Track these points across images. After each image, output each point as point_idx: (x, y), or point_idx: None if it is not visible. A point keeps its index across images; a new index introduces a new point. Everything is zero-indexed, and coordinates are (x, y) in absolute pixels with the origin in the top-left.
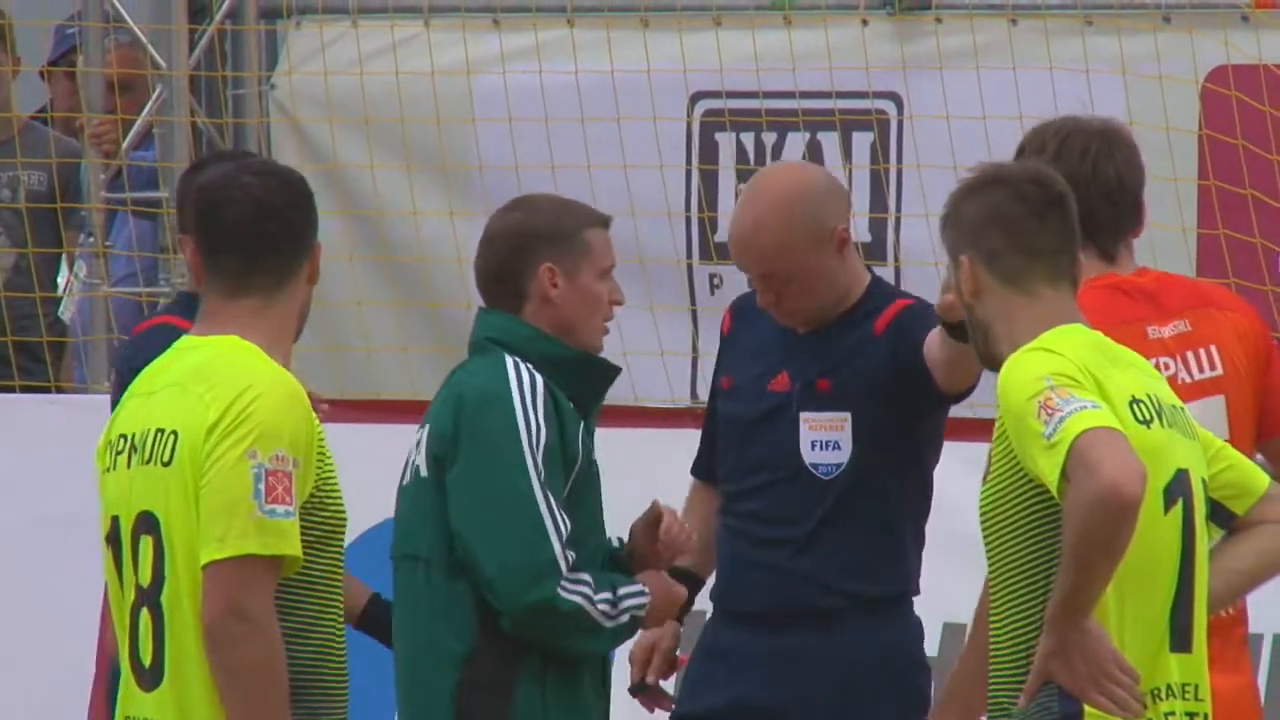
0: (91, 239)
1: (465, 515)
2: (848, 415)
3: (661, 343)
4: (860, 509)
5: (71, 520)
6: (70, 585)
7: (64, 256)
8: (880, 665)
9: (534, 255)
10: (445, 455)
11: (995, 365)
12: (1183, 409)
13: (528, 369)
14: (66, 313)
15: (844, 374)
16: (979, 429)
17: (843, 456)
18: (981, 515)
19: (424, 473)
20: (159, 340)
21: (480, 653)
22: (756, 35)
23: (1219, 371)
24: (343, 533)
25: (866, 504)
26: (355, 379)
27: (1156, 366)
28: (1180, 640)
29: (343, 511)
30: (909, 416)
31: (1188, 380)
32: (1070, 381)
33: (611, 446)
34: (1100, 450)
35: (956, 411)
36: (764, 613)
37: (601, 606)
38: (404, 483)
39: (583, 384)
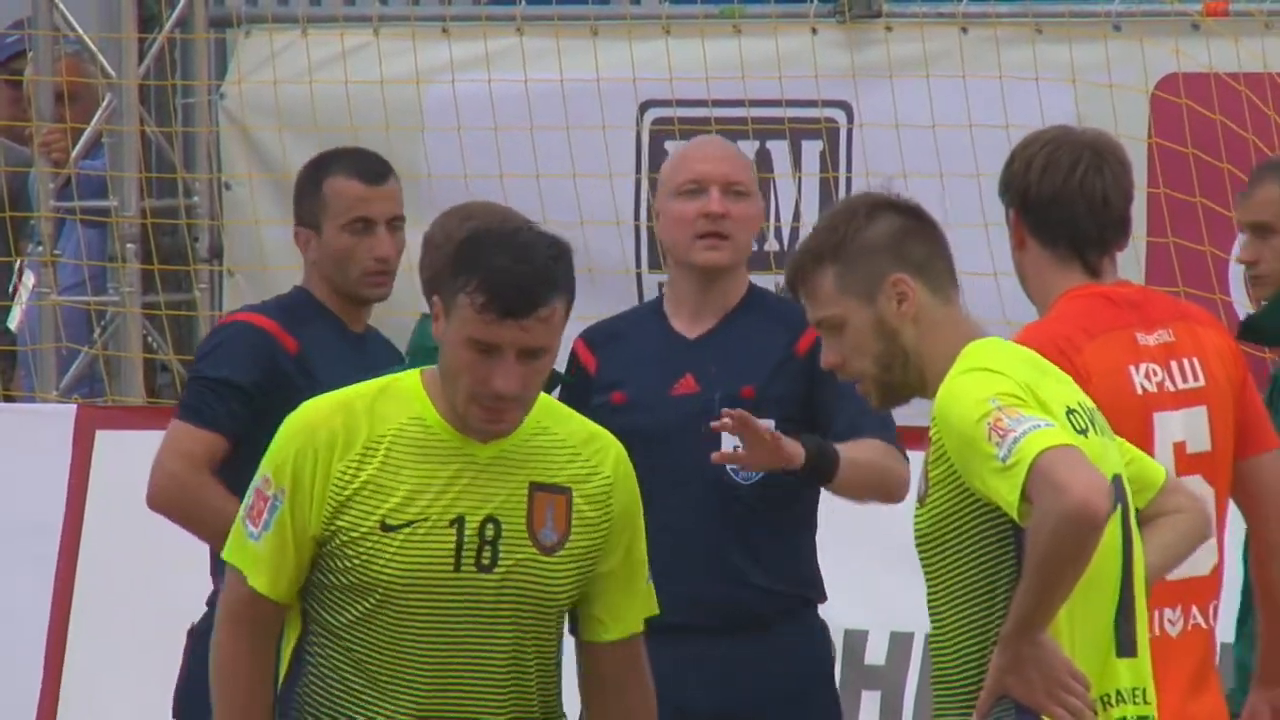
0: (40, 248)
1: None
2: (772, 422)
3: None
4: (777, 515)
5: (20, 527)
6: (20, 591)
7: (15, 265)
8: (807, 667)
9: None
10: None
11: (920, 392)
12: (1098, 410)
13: None
14: (14, 321)
15: (767, 385)
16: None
17: None
18: (921, 537)
19: None
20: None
21: None
22: (706, 43)
23: (1201, 383)
24: (377, 598)
25: (783, 510)
26: None
27: (1147, 374)
28: (1126, 645)
29: (378, 577)
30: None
31: (1172, 389)
32: (1016, 400)
33: None
34: (1065, 468)
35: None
36: (686, 624)
37: None
38: None
39: None
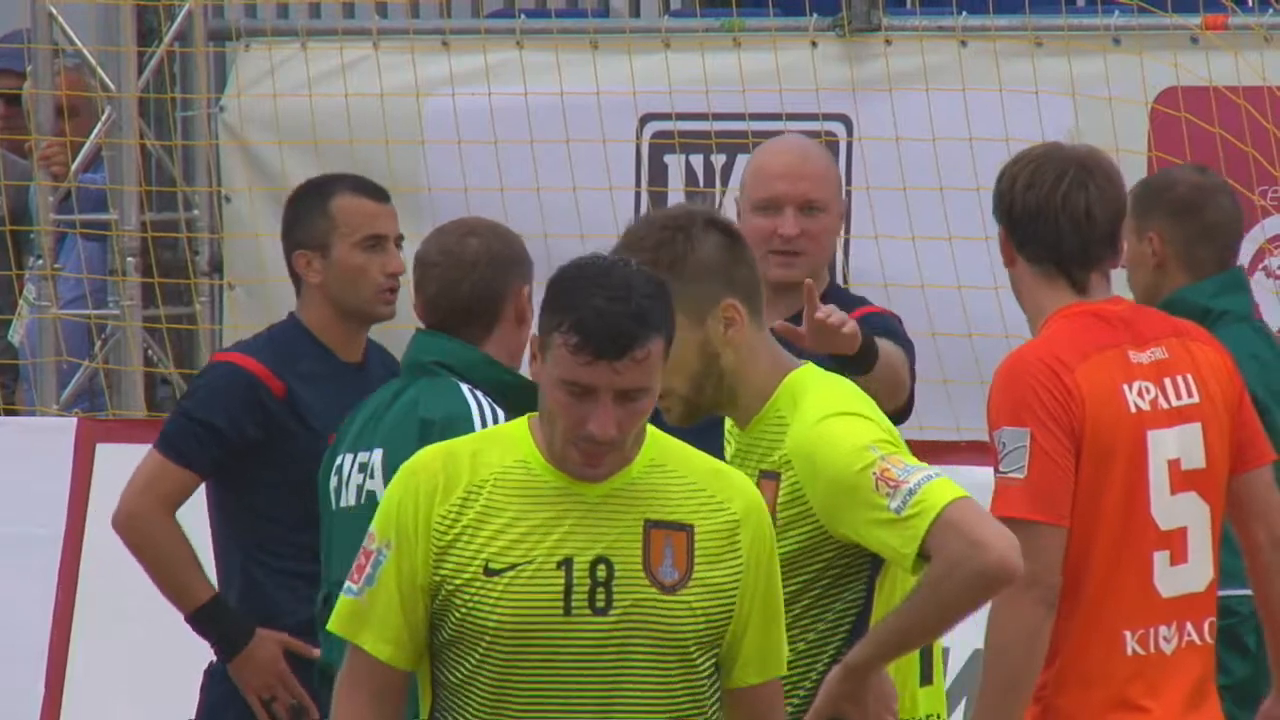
0: (40, 261)
1: None
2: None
3: None
4: None
5: (21, 540)
6: (21, 604)
7: (17, 279)
8: None
9: (512, 279)
10: None
11: (723, 411)
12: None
13: (485, 398)
14: (16, 335)
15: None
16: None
17: None
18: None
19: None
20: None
21: None
22: (706, 57)
23: (1195, 400)
24: (484, 647)
25: None
26: None
27: (1140, 392)
28: (927, 673)
29: (484, 624)
30: None
31: (1166, 407)
32: (892, 447)
33: None
34: (978, 524)
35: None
36: None
37: None
38: (342, 506)
39: (524, 410)
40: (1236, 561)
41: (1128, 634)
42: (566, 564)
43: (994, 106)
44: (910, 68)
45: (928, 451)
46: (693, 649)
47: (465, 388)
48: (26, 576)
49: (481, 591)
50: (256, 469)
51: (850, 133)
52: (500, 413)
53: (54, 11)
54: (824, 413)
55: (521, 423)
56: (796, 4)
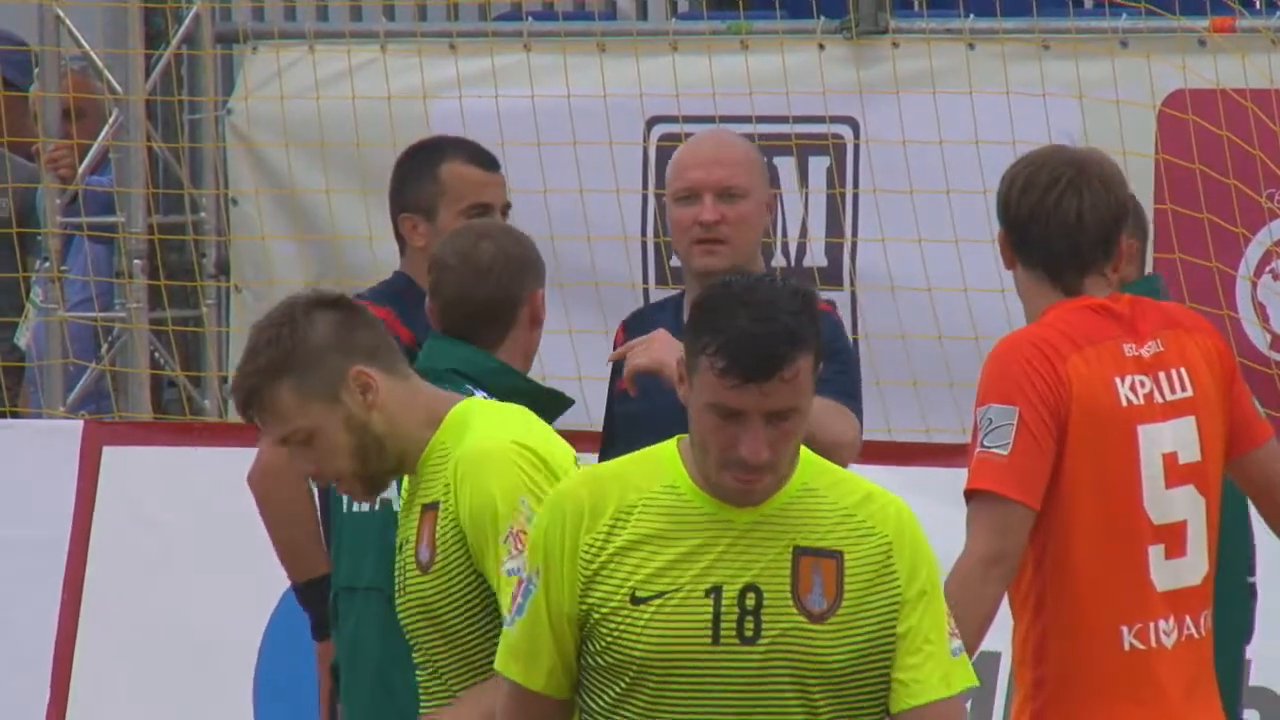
0: (48, 264)
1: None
2: None
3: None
4: None
5: (28, 543)
6: (27, 607)
7: (24, 282)
8: None
9: (528, 283)
10: None
11: (402, 472)
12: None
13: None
14: (22, 338)
15: None
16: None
17: None
18: (422, 605)
19: (397, 505)
20: None
21: None
22: (713, 59)
23: (1189, 393)
24: (631, 676)
25: None
26: None
27: (1133, 386)
28: None
29: (630, 653)
30: None
31: (1161, 400)
32: (538, 503)
33: None
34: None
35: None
36: None
37: None
38: (354, 510)
39: (543, 416)
40: None
41: (1124, 629)
42: (715, 592)
43: (1001, 109)
44: (917, 70)
45: (938, 455)
46: (840, 678)
47: (481, 396)
48: (32, 580)
49: (628, 620)
50: None
51: (857, 135)
52: None
53: (61, 14)
54: (489, 439)
55: (671, 445)
56: (804, 6)
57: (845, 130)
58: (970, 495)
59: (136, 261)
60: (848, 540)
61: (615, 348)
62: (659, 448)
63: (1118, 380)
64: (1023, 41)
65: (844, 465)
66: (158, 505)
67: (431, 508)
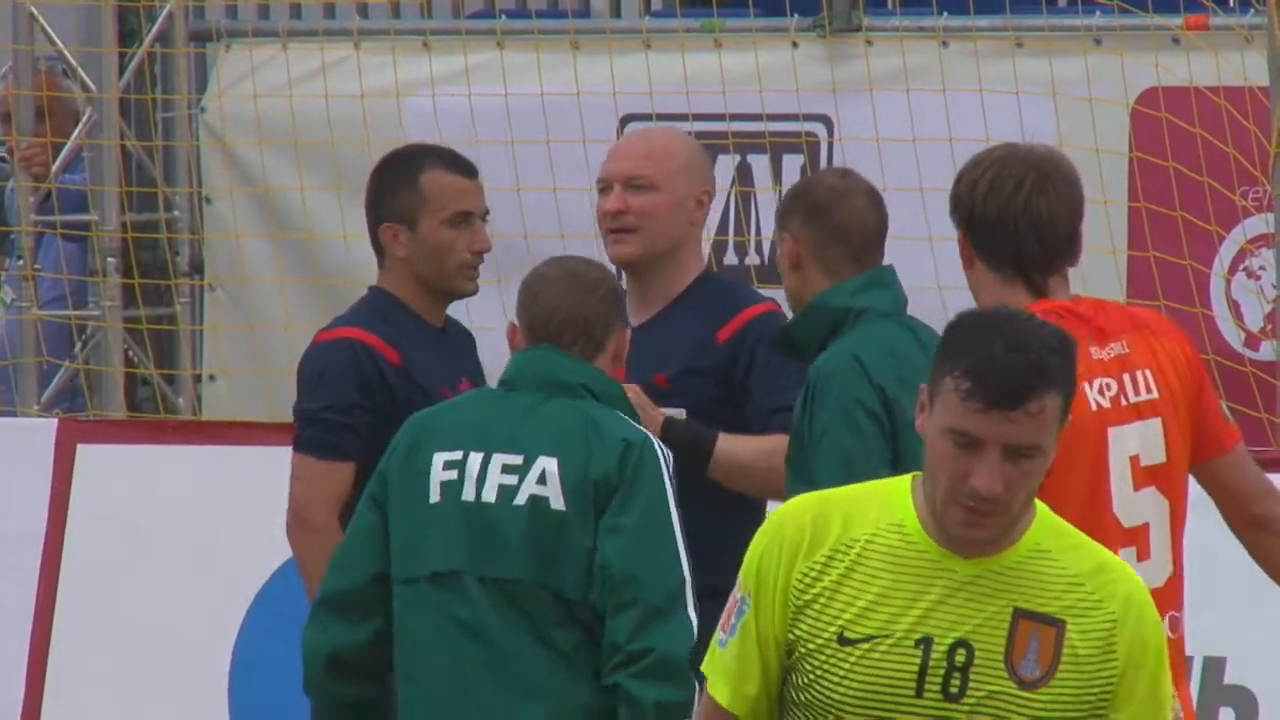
0: (20, 262)
1: (635, 562)
2: (683, 410)
3: None
4: (693, 501)
5: (2, 541)
6: (1, 605)
7: None
8: None
9: (621, 317)
10: (606, 494)
11: None
12: None
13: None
14: None
15: (679, 371)
16: None
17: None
18: None
19: (556, 505)
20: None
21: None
22: (686, 57)
23: (1155, 395)
24: (834, 717)
25: (699, 496)
26: (286, 402)
27: (1100, 389)
28: None
29: (830, 695)
30: (741, 417)
31: (1126, 403)
32: None
33: None
34: None
35: None
36: None
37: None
38: (466, 500)
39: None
40: None
41: None
42: (925, 643)
43: (975, 107)
44: (891, 68)
45: None
46: None
47: (619, 413)
48: (6, 578)
49: (833, 660)
50: (379, 444)
51: (831, 133)
52: (664, 447)
53: (35, 12)
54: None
55: (905, 480)
56: (777, 4)
57: (819, 128)
58: None
59: (110, 260)
60: (1073, 610)
61: None
62: (894, 481)
63: (1086, 385)
64: (996, 39)
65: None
66: (132, 504)
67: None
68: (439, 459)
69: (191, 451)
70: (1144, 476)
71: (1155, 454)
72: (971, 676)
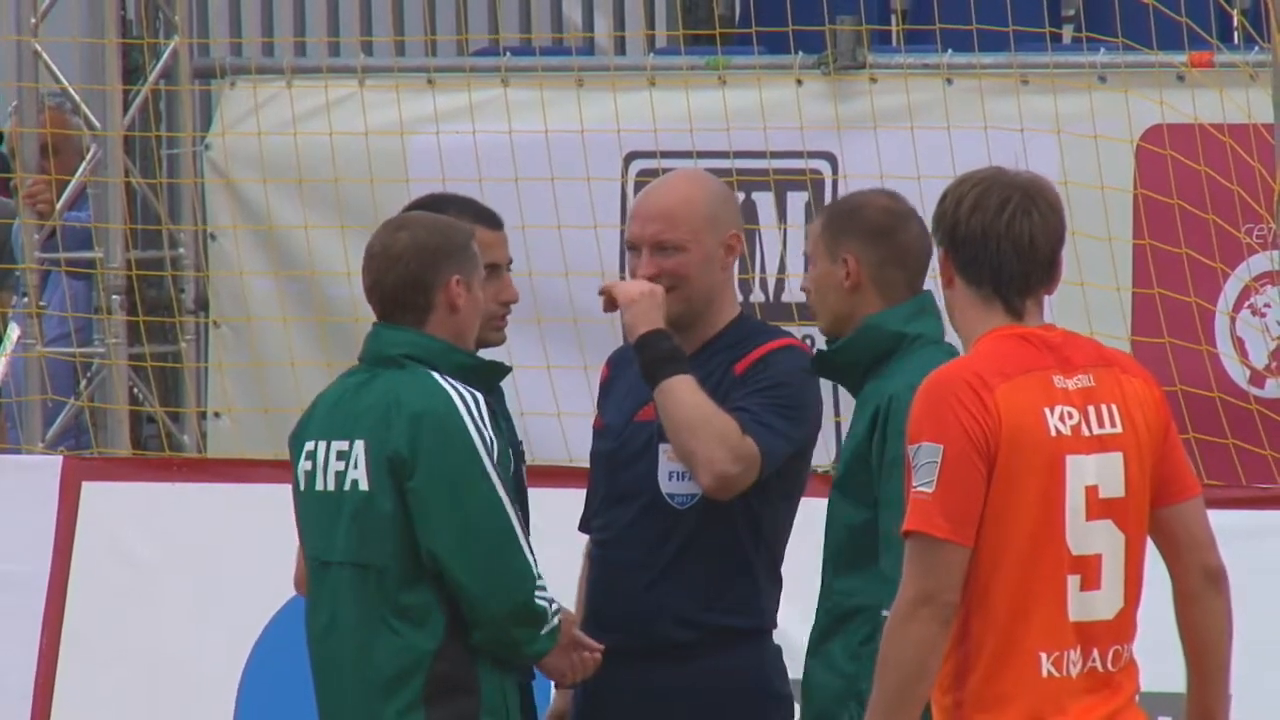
0: (25, 299)
1: (443, 532)
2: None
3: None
4: (713, 541)
5: (6, 579)
6: (6, 644)
7: (1, 317)
8: (736, 699)
9: (442, 269)
10: (403, 471)
11: None
12: None
13: (458, 383)
14: None
15: None
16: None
17: (697, 488)
18: None
19: (364, 485)
20: None
21: (448, 652)
22: (691, 95)
23: (1119, 430)
24: None
25: (719, 536)
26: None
27: (1061, 416)
28: None
29: None
30: None
31: (1088, 434)
32: None
33: (547, 506)
34: None
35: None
36: (623, 647)
37: (553, 607)
38: (319, 489)
39: (486, 387)
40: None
41: (1043, 655)
42: None
43: (979, 144)
44: (895, 105)
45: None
46: None
47: (439, 376)
48: (11, 616)
49: None
50: None
51: (835, 170)
52: (479, 396)
53: (39, 49)
54: None
55: None
56: (781, 42)
57: (823, 165)
58: (904, 537)
59: (115, 297)
60: None
61: (601, 386)
62: None
63: (1047, 410)
64: (1001, 77)
65: (704, 486)
66: (137, 541)
67: None
68: (305, 449)
69: (196, 489)
70: (1100, 508)
71: (1114, 487)
72: None
